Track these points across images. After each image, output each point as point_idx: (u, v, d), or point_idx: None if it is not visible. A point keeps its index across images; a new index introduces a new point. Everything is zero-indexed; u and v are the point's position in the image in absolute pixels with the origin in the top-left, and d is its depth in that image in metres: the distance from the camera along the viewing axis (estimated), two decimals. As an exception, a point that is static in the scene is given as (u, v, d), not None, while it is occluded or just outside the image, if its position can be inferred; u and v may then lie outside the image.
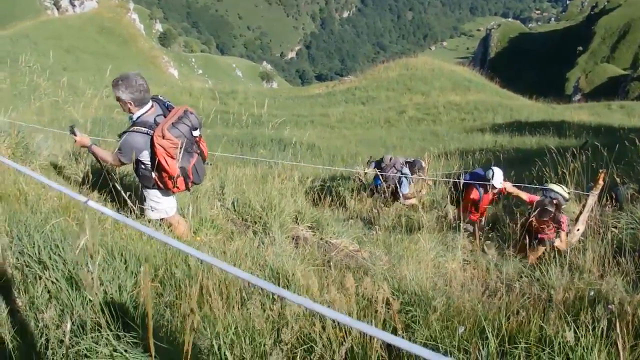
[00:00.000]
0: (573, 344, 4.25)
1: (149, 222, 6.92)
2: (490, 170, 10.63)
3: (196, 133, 6.41)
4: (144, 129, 6.29)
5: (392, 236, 8.82)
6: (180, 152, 6.30)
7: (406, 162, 13.29)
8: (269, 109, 40.39)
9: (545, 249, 8.98)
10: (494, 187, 10.64)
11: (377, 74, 54.21)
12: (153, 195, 6.86)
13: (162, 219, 7.06)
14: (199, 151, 6.75)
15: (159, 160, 6.30)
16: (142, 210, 6.98)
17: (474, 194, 11.02)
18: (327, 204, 11.62)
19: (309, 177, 13.55)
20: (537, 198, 9.54)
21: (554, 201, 9.02)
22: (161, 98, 6.71)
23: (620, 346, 3.94)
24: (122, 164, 6.54)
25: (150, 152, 6.37)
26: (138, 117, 6.39)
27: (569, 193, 9.46)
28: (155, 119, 6.36)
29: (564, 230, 8.80)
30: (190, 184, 6.74)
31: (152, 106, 6.49)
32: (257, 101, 33.48)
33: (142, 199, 7.05)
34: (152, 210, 6.96)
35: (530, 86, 74.25)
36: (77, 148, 8.70)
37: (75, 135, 6.80)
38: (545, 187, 9.73)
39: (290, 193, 10.20)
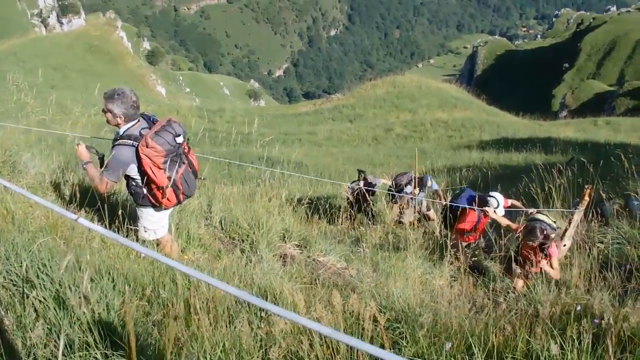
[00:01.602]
0: (559, 358, 4.29)
1: (144, 242, 6.91)
2: (494, 200, 10.51)
3: (179, 140, 6.37)
4: (129, 141, 6.29)
5: (380, 253, 8.84)
6: (166, 162, 6.34)
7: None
8: (257, 127, 40.45)
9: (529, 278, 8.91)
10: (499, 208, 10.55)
11: (364, 91, 54.32)
12: (147, 215, 6.85)
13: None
14: (186, 161, 6.75)
15: (146, 172, 6.30)
16: (134, 231, 6.98)
17: (472, 217, 10.88)
18: (315, 222, 11.64)
19: (297, 195, 13.58)
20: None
21: (544, 231, 8.92)
22: (147, 114, 6.72)
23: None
24: (107, 186, 6.46)
25: (137, 165, 6.37)
26: (125, 131, 6.40)
27: (555, 222, 9.39)
28: (140, 131, 6.37)
29: (554, 256, 8.72)
30: (181, 195, 6.72)
31: (138, 121, 6.50)
32: (245, 119, 33.58)
33: (134, 219, 7.05)
34: (145, 231, 6.95)
35: (517, 103, 74.50)
36: (64, 165, 8.70)
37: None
38: (532, 217, 9.64)
39: (278, 211, 10.20)
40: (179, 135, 6.40)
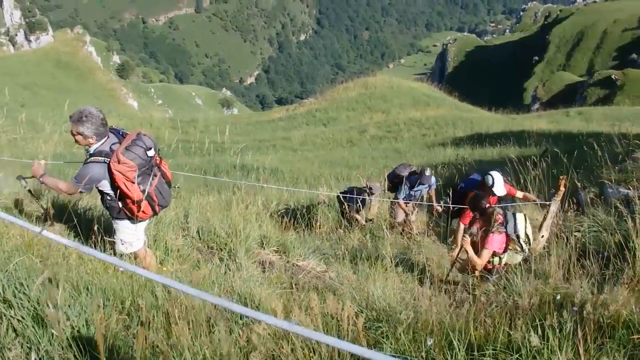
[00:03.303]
0: (539, 348, 4.31)
1: (121, 256, 6.88)
2: (490, 177, 10.26)
3: (150, 153, 6.34)
4: (100, 158, 6.25)
5: (359, 254, 8.86)
6: (139, 175, 6.32)
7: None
8: (231, 135, 40.38)
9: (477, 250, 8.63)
10: (495, 195, 10.25)
11: (336, 94, 54.47)
12: (123, 227, 6.81)
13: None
14: (159, 173, 6.73)
15: (119, 187, 6.28)
16: (111, 244, 6.95)
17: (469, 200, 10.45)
18: (293, 227, 11.64)
19: (274, 201, 13.57)
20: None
21: (500, 216, 8.73)
22: (116, 127, 6.69)
23: (581, 348, 4.01)
24: (74, 190, 6.43)
25: (110, 181, 6.35)
26: (95, 148, 6.37)
27: (527, 236, 9.19)
28: (110, 147, 6.33)
29: (487, 249, 8.48)
30: (156, 207, 6.70)
31: (107, 137, 6.47)
32: (218, 128, 33.46)
33: (111, 233, 7.02)
34: (122, 244, 6.91)
35: (489, 98, 75.16)
36: (37, 185, 8.64)
37: (25, 181, 6.73)
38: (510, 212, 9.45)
39: (255, 218, 10.19)
40: (150, 149, 6.37)
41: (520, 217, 8.75)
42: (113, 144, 6.40)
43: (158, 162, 6.80)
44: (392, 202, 13.03)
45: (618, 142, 13.94)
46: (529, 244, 8.73)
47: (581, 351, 4.13)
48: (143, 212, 6.55)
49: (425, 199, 13.32)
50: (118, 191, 6.35)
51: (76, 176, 6.27)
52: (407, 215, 12.69)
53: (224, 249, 8.86)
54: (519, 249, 8.61)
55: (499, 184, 10.16)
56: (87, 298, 5.00)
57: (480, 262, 8.25)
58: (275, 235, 10.11)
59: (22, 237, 6.62)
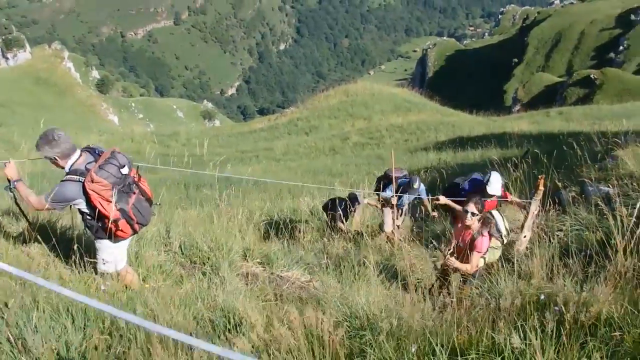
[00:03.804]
0: (522, 349, 4.31)
1: (103, 275, 6.83)
2: (488, 174, 10.24)
3: (124, 170, 6.31)
4: (75, 177, 6.20)
5: (342, 263, 8.84)
6: (114, 194, 6.28)
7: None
8: (213, 147, 40.30)
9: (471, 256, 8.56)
10: (491, 197, 10.10)
11: (318, 103, 54.51)
12: (104, 247, 6.76)
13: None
14: (137, 190, 6.68)
15: (95, 206, 6.23)
16: (93, 264, 6.90)
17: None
18: (276, 238, 11.62)
19: (257, 213, 13.54)
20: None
21: (487, 221, 8.66)
22: (92, 146, 6.65)
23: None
24: (45, 208, 6.35)
25: (86, 200, 6.30)
26: (70, 167, 6.32)
27: (507, 231, 9.17)
28: (86, 166, 6.29)
29: (478, 253, 8.42)
30: (136, 225, 6.64)
31: (80, 155, 6.42)
32: (200, 141, 33.43)
33: (92, 252, 6.96)
34: (104, 263, 6.85)
35: (470, 101, 75.21)
36: (13, 206, 8.55)
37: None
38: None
39: (238, 230, 10.17)
40: (124, 166, 6.34)
41: (496, 214, 8.93)
42: (89, 162, 6.35)
43: (137, 179, 6.76)
44: (382, 208, 12.92)
45: (598, 141, 14.02)
46: (508, 238, 8.97)
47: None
48: (122, 231, 6.50)
49: (415, 209, 13.24)
50: (96, 210, 6.30)
51: (50, 193, 6.22)
52: (393, 219, 12.58)
53: (207, 263, 8.83)
54: (499, 244, 8.69)
55: (495, 184, 10.10)
56: (67, 320, 4.96)
57: (471, 268, 8.22)
58: (259, 247, 10.09)
59: (2, 259, 6.57)
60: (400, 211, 12.55)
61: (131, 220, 6.53)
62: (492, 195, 10.11)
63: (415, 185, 12.01)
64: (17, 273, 3.22)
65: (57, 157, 6.28)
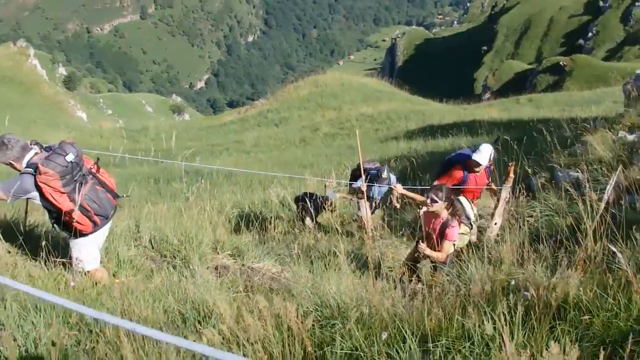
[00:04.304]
0: (492, 335, 4.34)
1: (85, 274, 6.81)
2: (480, 146, 10.12)
3: (69, 158, 6.29)
4: (30, 170, 6.23)
5: (314, 253, 8.85)
6: (66, 184, 6.30)
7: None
8: (183, 141, 40.23)
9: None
10: (477, 165, 10.01)
11: (287, 94, 54.49)
12: (74, 244, 6.76)
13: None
14: (92, 181, 6.67)
15: (49, 200, 6.26)
16: (62, 262, 6.88)
17: (457, 174, 10.33)
18: (247, 230, 11.62)
19: (227, 205, 13.52)
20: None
21: (455, 207, 8.62)
22: (49, 144, 6.62)
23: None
24: (6, 199, 6.34)
25: (40, 194, 6.32)
26: (27, 163, 6.32)
27: (475, 216, 9.14)
28: (39, 161, 6.31)
29: (449, 240, 8.41)
30: (94, 217, 6.62)
31: (36, 153, 6.42)
32: (169, 135, 33.31)
33: (60, 251, 6.95)
34: (79, 262, 6.83)
35: (441, 90, 75.60)
36: None
37: None
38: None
39: (209, 222, 10.16)
40: (68, 154, 6.32)
41: (464, 200, 8.86)
42: (42, 158, 6.37)
43: (95, 170, 6.74)
44: (357, 200, 12.89)
45: (567, 127, 14.14)
46: (476, 224, 9.01)
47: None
48: (79, 223, 6.48)
49: (386, 198, 13.21)
50: (52, 205, 6.31)
51: (5, 184, 6.23)
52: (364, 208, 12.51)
53: (177, 256, 8.82)
54: (468, 229, 8.73)
55: (485, 153, 10.01)
56: (37, 317, 4.94)
57: (443, 256, 8.24)
58: (230, 239, 10.08)
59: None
60: (372, 203, 12.56)
61: (87, 212, 6.51)
62: (476, 168, 10.14)
63: (384, 175, 12.03)
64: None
65: (11, 162, 6.29)
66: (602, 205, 6.93)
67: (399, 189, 9.76)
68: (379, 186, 12.25)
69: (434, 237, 8.35)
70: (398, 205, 12.05)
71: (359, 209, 12.60)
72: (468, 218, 8.71)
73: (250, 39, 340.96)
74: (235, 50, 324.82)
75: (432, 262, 8.44)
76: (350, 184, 12.94)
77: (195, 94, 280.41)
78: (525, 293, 4.89)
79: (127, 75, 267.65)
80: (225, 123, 51.99)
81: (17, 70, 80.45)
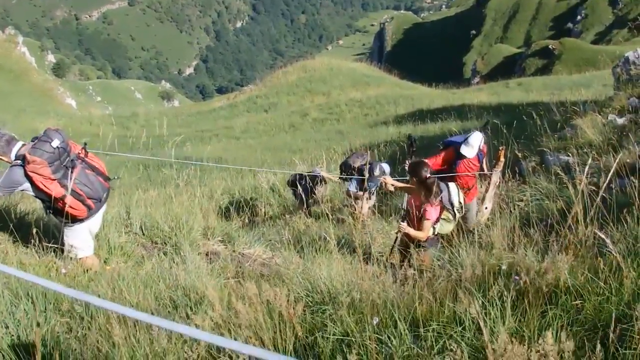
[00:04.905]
0: (483, 319, 4.35)
1: (71, 260, 6.81)
2: (471, 133, 10.06)
3: (55, 144, 6.28)
4: (19, 162, 6.23)
5: (305, 239, 8.85)
6: (56, 171, 6.31)
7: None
8: (172, 127, 40.09)
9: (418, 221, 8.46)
10: (468, 145, 9.88)
11: (276, 80, 54.47)
12: (68, 231, 6.79)
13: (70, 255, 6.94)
14: (80, 165, 6.66)
15: (40, 189, 6.27)
16: (62, 251, 6.89)
17: (447, 155, 10.27)
18: (238, 216, 11.61)
19: (218, 191, 13.51)
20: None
21: (440, 193, 8.55)
22: (38, 135, 6.63)
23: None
24: None
25: (30, 184, 6.31)
26: (15, 155, 6.32)
27: (460, 204, 9.06)
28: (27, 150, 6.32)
29: (428, 219, 8.39)
30: (87, 200, 6.63)
31: (24, 144, 6.42)
32: (159, 122, 33.22)
33: (51, 237, 6.95)
34: (73, 249, 6.86)
35: (429, 74, 75.68)
36: None
37: None
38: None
39: (200, 209, 10.16)
40: (53, 140, 6.31)
41: (452, 186, 8.77)
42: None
43: (83, 154, 6.73)
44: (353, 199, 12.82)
45: (557, 111, 14.19)
46: (461, 212, 8.79)
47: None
48: (73, 208, 6.48)
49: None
50: (44, 192, 6.32)
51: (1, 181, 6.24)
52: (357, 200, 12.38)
53: (168, 242, 8.81)
54: (451, 217, 8.65)
55: (473, 144, 9.92)
56: (27, 304, 4.93)
57: (423, 235, 8.22)
58: (220, 225, 10.08)
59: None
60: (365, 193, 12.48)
61: (79, 196, 6.51)
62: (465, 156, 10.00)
63: (376, 173, 11.89)
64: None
65: (4, 154, 6.31)
66: (602, 189, 6.92)
67: (389, 181, 9.51)
68: (370, 181, 12.12)
69: (414, 215, 8.34)
70: (392, 189, 11.99)
71: (348, 189, 12.53)
72: (452, 204, 8.64)
73: (238, 24, 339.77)
74: (224, 36, 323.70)
75: (414, 242, 8.42)
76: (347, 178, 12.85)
77: (185, 80, 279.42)
78: (516, 277, 4.90)
79: (116, 62, 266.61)
80: (214, 109, 51.94)
81: (6, 57, 80.00)
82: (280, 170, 16.21)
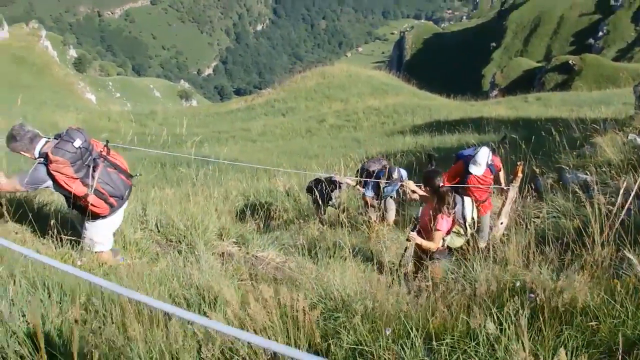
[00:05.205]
0: (497, 335, 4.33)
1: (80, 250, 6.87)
2: (477, 149, 10.05)
3: (77, 144, 6.35)
4: (42, 159, 6.32)
5: (318, 244, 8.85)
6: (78, 170, 6.40)
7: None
8: (190, 127, 40.20)
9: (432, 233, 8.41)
10: (475, 163, 9.90)
11: (295, 84, 54.37)
12: (91, 226, 6.88)
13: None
14: (103, 163, 6.72)
15: (62, 187, 6.37)
16: (80, 244, 6.95)
17: (458, 167, 10.35)
18: (252, 218, 11.61)
19: (233, 192, 13.53)
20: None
21: (454, 205, 8.49)
22: (60, 133, 6.67)
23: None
24: (14, 189, 6.47)
25: (53, 182, 6.39)
26: (39, 152, 6.38)
27: (473, 219, 8.96)
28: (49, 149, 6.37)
29: (439, 230, 8.37)
30: (109, 198, 6.72)
31: (47, 141, 6.47)
32: (177, 120, 33.28)
33: (69, 229, 7.02)
34: (93, 244, 6.95)
35: (448, 85, 75.22)
36: None
37: None
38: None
39: (215, 209, 10.17)
40: (75, 140, 6.37)
41: (467, 200, 8.64)
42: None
43: (105, 153, 6.79)
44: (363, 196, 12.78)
45: (576, 128, 14.06)
46: (473, 228, 8.71)
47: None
48: (95, 206, 6.55)
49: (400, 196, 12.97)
50: (66, 190, 6.38)
51: (22, 176, 6.30)
52: (374, 208, 12.24)
53: (182, 241, 8.83)
54: (462, 232, 8.54)
55: (480, 162, 9.94)
56: (43, 293, 4.96)
57: (434, 245, 8.17)
58: (235, 226, 10.09)
59: (-26, 234, 6.56)
60: (382, 201, 12.33)
61: (102, 195, 6.57)
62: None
63: (395, 175, 11.78)
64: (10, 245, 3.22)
65: (22, 151, 6.37)
66: (612, 209, 6.88)
67: (411, 185, 9.50)
68: (388, 185, 12.00)
69: (426, 225, 8.31)
70: (415, 196, 11.83)
71: (364, 195, 12.45)
72: (464, 219, 8.56)
73: (259, 27, 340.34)
74: (244, 38, 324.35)
75: (422, 252, 8.40)
76: (360, 185, 12.79)
77: (203, 80, 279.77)
78: (531, 295, 4.87)
79: (136, 60, 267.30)
80: (232, 110, 51.93)
81: (29, 51, 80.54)
82: (298, 170, 16.17)
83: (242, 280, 6.51)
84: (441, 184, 8.16)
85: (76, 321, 3.23)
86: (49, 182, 6.42)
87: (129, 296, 2.63)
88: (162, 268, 6.59)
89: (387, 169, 11.90)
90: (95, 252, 6.99)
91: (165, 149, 12.53)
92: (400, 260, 8.71)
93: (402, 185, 11.02)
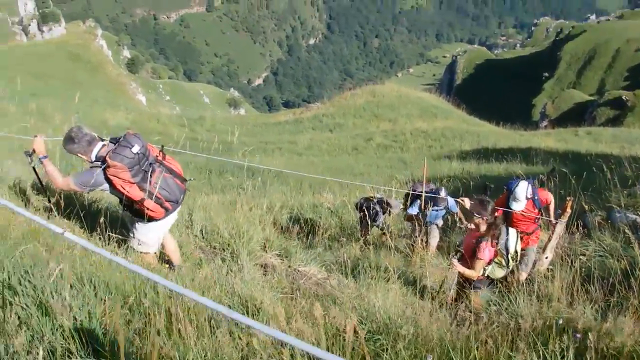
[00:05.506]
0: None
1: (127, 250, 6.97)
2: (516, 183, 9.70)
3: (135, 149, 6.44)
4: (98, 163, 6.48)
5: (360, 264, 8.83)
6: (136, 175, 6.51)
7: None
8: (238, 136, 40.35)
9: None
10: (515, 199, 9.60)
11: (344, 100, 54.29)
12: (141, 228, 7.03)
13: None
14: (159, 169, 6.83)
15: (119, 191, 6.52)
16: (127, 241, 7.06)
17: (502, 198, 10.04)
18: (296, 232, 11.63)
19: (277, 205, 13.56)
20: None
21: (494, 227, 8.37)
22: (116, 137, 6.78)
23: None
24: (69, 188, 6.58)
25: (110, 185, 6.54)
26: (96, 156, 6.52)
27: (516, 252, 8.76)
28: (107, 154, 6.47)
29: (481, 259, 8.07)
30: (165, 203, 6.84)
31: (104, 145, 6.60)
32: (225, 128, 33.46)
33: (127, 229, 7.13)
34: (140, 244, 7.09)
35: (497, 112, 74.82)
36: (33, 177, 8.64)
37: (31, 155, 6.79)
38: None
39: (259, 220, 10.20)
40: (133, 146, 6.48)
41: (512, 232, 8.43)
42: (110, 150, 6.53)
43: (161, 158, 6.87)
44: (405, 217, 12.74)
45: (628, 166, 13.85)
46: (515, 261, 8.59)
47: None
48: (151, 210, 6.63)
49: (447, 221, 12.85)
50: (123, 194, 6.49)
51: (78, 177, 6.43)
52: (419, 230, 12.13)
53: (226, 249, 8.88)
54: (504, 263, 8.38)
55: (517, 199, 9.63)
56: (90, 290, 5.01)
57: (475, 274, 8.10)
58: (278, 239, 10.12)
59: (29, 224, 6.65)
60: (428, 227, 12.20)
61: (158, 200, 6.66)
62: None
63: (442, 194, 11.73)
64: (79, 240, 3.26)
65: (79, 153, 6.52)
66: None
67: (467, 202, 9.35)
68: (436, 210, 11.92)
69: (469, 253, 8.25)
70: (469, 225, 11.58)
71: (407, 212, 12.38)
72: (507, 249, 8.42)
73: (311, 41, 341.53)
74: (296, 51, 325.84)
75: (464, 280, 8.35)
76: (405, 207, 12.74)
77: (253, 90, 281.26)
78: (577, 335, 4.80)
79: (188, 65, 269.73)
80: (279, 122, 52.02)
81: (85, 48, 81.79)
82: (353, 182, 16.08)
83: (284, 294, 6.50)
84: (490, 213, 8.09)
85: (128, 322, 3.25)
86: (106, 186, 6.55)
87: (197, 300, 2.64)
88: (206, 274, 6.62)
89: (435, 191, 11.85)
90: (140, 253, 7.07)
91: (217, 156, 12.65)
92: (442, 287, 8.64)
93: (456, 202, 10.86)
